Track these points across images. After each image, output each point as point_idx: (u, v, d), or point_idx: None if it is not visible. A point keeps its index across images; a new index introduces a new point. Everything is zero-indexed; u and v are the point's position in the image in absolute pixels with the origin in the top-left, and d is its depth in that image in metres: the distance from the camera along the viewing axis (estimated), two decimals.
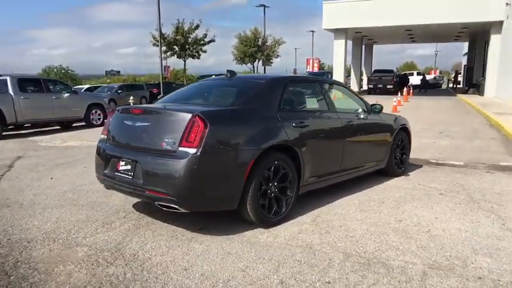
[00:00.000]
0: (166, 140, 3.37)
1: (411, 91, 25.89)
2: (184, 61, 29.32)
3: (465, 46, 37.13)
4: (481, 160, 7.02)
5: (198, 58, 29.26)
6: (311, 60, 51.96)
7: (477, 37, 25.87)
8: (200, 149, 3.20)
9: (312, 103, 4.57)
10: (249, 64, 40.60)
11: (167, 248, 3.29)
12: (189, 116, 3.31)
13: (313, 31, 49.66)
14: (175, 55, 28.78)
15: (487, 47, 23.99)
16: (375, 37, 29.33)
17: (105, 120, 6.81)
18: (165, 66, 28.13)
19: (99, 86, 27.10)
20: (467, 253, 3.17)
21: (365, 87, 29.84)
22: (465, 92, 25.61)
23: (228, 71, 4.51)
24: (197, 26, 28.72)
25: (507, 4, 18.22)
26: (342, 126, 4.66)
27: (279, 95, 4.02)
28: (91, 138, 10.47)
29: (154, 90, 26.53)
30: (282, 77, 4.52)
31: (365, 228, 3.72)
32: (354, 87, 26.91)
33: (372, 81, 27.15)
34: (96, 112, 13.94)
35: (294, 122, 3.97)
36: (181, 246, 3.32)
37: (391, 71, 27.74)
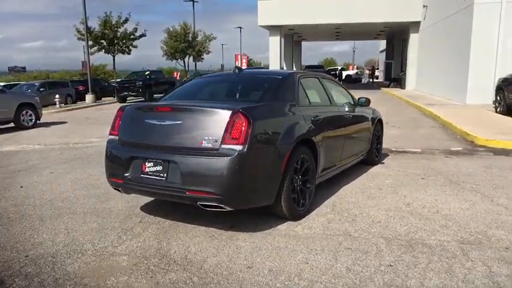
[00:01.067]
0: (206, 138, 3.26)
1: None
2: (114, 56, 27.69)
3: (382, 44, 40.51)
4: (434, 147, 7.82)
5: (129, 54, 27.86)
6: (239, 56, 52.30)
7: (395, 36, 28.44)
8: (246, 146, 3.17)
9: (317, 97, 4.73)
10: (180, 60, 39.64)
11: (214, 248, 3.21)
12: (229, 112, 3.25)
13: (240, 27, 50.05)
14: (103, 50, 27.03)
15: (405, 44, 26.47)
16: (305, 34, 30.61)
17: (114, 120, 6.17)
18: (83, 62, 26.15)
19: (16, 84, 24.44)
20: (483, 228, 3.58)
21: None
22: (387, 85, 27.96)
23: (236, 67, 4.48)
24: (126, 20, 27.29)
25: (424, 6, 20.34)
26: (342, 119, 4.90)
27: (296, 90, 4.11)
28: (31, 141, 9.51)
29: (81, 88, 24.68)
30: (294, 72, 4.61)
31: (384, 214, 3.98)
32: None
33: None
34: (27, 113, 12.63)
35: (312, 116, 4.09)
36: (227, 245, 3.26)
37: (321, 67, 29.25)
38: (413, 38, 22.26)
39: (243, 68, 45.72)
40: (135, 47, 28.45)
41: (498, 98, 11.88)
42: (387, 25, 23.46)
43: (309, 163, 3.95)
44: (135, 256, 3.10)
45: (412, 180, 5.32)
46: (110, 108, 19.69)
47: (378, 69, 40.33)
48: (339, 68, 41.41)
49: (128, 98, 23.04)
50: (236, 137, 3.18)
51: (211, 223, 3.73)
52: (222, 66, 63.04)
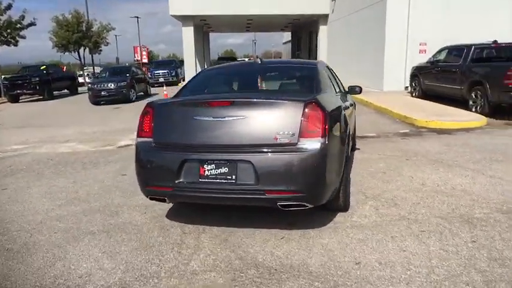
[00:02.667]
0: (281, 132, 3.03)
1: None
2: None
3: (285, 35, 42.29)
4: (384, 130, 8.52)
5: (16, 45, 24.22)
6: (139, 48, 49.58)
7: (302, 28, 29.93)
8: (326, 138, 3.05)
9: (336, 86, 4.74)
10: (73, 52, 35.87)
11: (300, 249, 3.04)
12: (302, 104, 3.08)
13: (137, 17, 47.28)
14: None
15: (312, 36, 28.07)
16: (216, 25, 30.30)
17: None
18: None
19: None
20: (504, 198, 4.04)
21: None
22: None
23: (257, 56, 4.24)
24: (9, 6, 23.64)
25: (332, 0, 21.82)
26: (349, 106, 5.02)
27: (328, 79, 4.08)
28: None
29: None
30: (319, 61, 4.54)
31: (414, 195, 4.22)
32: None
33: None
34: None
35: (344, 104, 4.11)
36: (309, 244, 3.12)
37: (234, 58, 29.35)
38: (323, 30, 23.72)
39: (144, 60, 42.79)
40: (23, 37, 24.93)
41: (414, 84, 13.38)
42: (298, 17, 24.52)
43: (348, 151, 3.97)
44: (222, 270, 2.77)
45: (400, 162, 5.72)
46: (2, 108, 17.03)
47: None
48: (246, 59, 42.17)
49: (21, 97, 20.22)
50: (314, 130, 3.03)
51: (266, 224, 3.52)
52: (117, 59, 58.96)
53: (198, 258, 2.97)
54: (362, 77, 17.03)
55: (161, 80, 24.86)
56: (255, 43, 66.14)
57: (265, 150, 3.03)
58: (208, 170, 3.13)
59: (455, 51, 11.29)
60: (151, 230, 3.55)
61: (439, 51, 12.16)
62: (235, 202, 3.30)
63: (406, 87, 14.97)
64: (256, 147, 3.06)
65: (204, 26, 29.67)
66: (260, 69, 4.32)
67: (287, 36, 40.69)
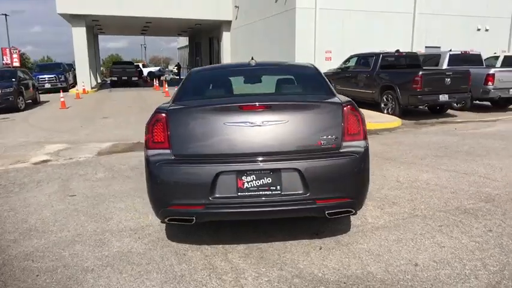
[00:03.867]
0: (324, 136, 2.88)
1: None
2: None
3: (181, 40, 41.45)
4: None
5: None
6: (8, 50, 43.55)
7: (202, 33, 29.68)
8: (366, 141, 3.00)
9: None
10: None
11: (347, 258, 2.91)
12: (340, 106, 2.98)
13: (6, 14, 41.33)
14: None
15: (213, 42, 28.09)
16: (108, 27, 28.08)
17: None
18: None
19: None
20: (475, 189, 4.52)
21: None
22: None
23: (252, 58, 3.98)
24: None
25: (236, 6, 22.11)
26: None
27: None
28: None
29: None
30: (310, 63, 4.43)
31: (401, 193, 4.45)
32: (90, 80, 24.50)
33: (115, 73, 26.18)
34: None
35: None
36: (350, 251, 3.02)
37: (131, 63, 27.61)
38: (226, 36, 23.90)
39: (15, 64, 37.67)
40: None
41: None
42: (199, 22, 24.26)
43: None
44: None
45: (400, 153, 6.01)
46: None
47: (182, 66, 41.11)
48: (141, 64, 40.10)
49: None
50: (355, 132, 2.95)
51: (289, 236, 3.32)
52: None
53: (250, 283, 2.63)
54: None
55: (47, 86, 22.06)
56: (145, 47, 63.35)
57: (311, 156, 2.85)
58: (247, 182, 2.80)
59: (364, 58, 12.42)
60: (166, 258, 3.04)
61: (348, 59, 13.25)
62: (281, 215, 3.02)
63: None
64: (301, 154, 2.85)
65: (94, 27, 27.35)
66: (261, 70, 4.08)
67: (183, 41, 40.00)
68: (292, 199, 2.81)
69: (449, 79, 10.20)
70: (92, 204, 4.36)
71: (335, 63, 14.38)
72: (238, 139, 2.84)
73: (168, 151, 2.89)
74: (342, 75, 13.08)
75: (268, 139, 2.85)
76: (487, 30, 18.14)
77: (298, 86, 3.77)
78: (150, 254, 3.11)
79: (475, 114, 11.18)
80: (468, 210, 3.82)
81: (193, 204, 2.82)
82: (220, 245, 3.21)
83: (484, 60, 13.16)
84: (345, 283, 2.58)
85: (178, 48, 44.80)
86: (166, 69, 44.80)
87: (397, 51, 11.99)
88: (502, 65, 13.13)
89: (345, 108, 2.97)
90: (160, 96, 19.62)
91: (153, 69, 39.44)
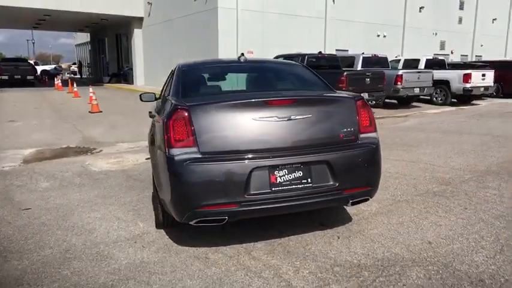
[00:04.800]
0: (344, 129, 3.00)
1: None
2: None
3: (79, 36, 38.04)
4: None
5: None
6: None
7: (107, 30, 27.68)
8: (377, 132, 3.20)
9: None
10: None
11: (368, 243, 3.09)
12: (353, 100, 3.14)
13: None
14: None
15: (122, 39, 26.51)
16: None
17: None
18: None
19: None
20: (449, 175, 5.11)
21: None
22: (107, 82, 27.10)
23: (242, 54, 3.92)
24: None
25: (149, 3, 21.17)
26: None
27: None
28: None
29: None
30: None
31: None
32: None
33: (6, 71, 22.96)
34: None
35: None
36: (368, 237, 3.21)
37: (24, 60, 24.45)
38: (138, 33, 22.77)
39: None
40: None
41: None
42: (105, 17, 22.66)
43: None
44: (338, 281, 2.55)
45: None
46: None
47: (84, 65, 37.72)
48: (32, 62, 35.81)
49: None
50: (368, 125, 3.13)
51: (299, 229, 3.39)
52: None
53: (294, 277, 2.63)
54: None
55: None
56: (33, 43, 56.81)
57: (336, 148, 2.95)
58: (280, 176, 2.79)
59: (290, 59, 12.98)
60: (190, 263, 2.86)
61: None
62: (313, 207, 3.06)
63: None
64: (327, 146, 2.94)
65: None
66: (258, 67, 4.03)
67: (82, 37, 36.90)
68: (322, 190, 2.89)
69: (368, 79, 11.25)
70: (59, 217, 3.86)
71: None
72: (268, 134, 2.82)
73: (194, 149, 2.72)
74: None
75: (296, 133, 2.88)
76: (385, 36, 20.39)
77: (298, 82, 3.84)
78: (169, 262, 2.90)
79: (386, 111, 12.50)
80: (437, 193, 4.32)
81: (226, 203, 2.71)
82: (237, 245, 3.13)
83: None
84: (382, 265, 2.75)
85: (76, 45, 41.12)
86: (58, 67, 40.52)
87: (320, 52, 12.81)
88: (403, 67, 14.88)
89: (357, 102, 3.14)
90: (68, 96, 17.99)
91: (48, 67, 35.58)
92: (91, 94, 14.99)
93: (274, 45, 15.81)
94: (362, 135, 3.09)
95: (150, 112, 6.18)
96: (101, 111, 12.47)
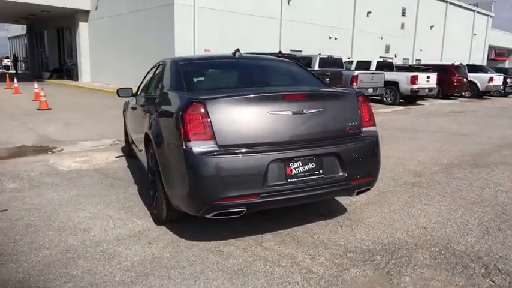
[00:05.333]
0: (349, 123, 3.17)
1: None
2: None
3: (12, 28, 35.18)
4: None
5: None
6: None
7: (48, 22, 25.92)
8: (376, 126, 3.40)
9: None
10: None
11: (371, 230, 3.29)
12: (355, 95, 3.31)
13: None
14: None
15: (62, 32, 25.03)
16: None
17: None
18: None
19: None
20: (420, 166, 5.49)
21: None
22: (47, 77, 25.44)
23: (238, 49, 3.96)
24: None
25: None
26: None
27: None
28: None
29: None
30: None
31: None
32: None
33: None
34: None
35: None
36: (369, 225, 3.41)
37: None
38: (83, 27, 21.64)
39: None
40: None
41: None
42: (47, 9, 21.25)
43: None
44: (355, 265, 2.71)
45: None
46: None
47: (20, 60, 34.85)
48: None
49: None
50: (368, 119, 3.33)
51: (304, 219, 3.52)
52: None
53: (313, 264, 2.74)
54: None
55: None
56: None
57: (344, 141, 3.11)
58: (295, 168, 2.89)
59: None
60: (205, 257, 2.87)
61: None
62: (323, 197, 3.19)
63: None
64: (335, 139, 3.09)
65: None
66: (257, 62, 4.09)
67: (16, 29, 34.25)
68: (333, 181, 3.03)
69: (328, 79, 11.71)
70: (44, 217, 3.66)
71: None
72: (282, 127, 2.91)
73: (211, 142, 2.74)
74: None
75: (308, 126, 2.99)
76: (336, 38, 21.25)
77: (296, 77, 3.95)
78: (184, 256, 2.88)
79: None
80: (415, 184, 4.66)
81: (246, 195, 2.75)
82: (246, 237, 3.18)
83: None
84: (390, 249, 2.95)
85: (9, 38, 37.99)
86: None
87: (280, 52, 13.09)
88: (356, 68, 15.64)
89: (359, 98, 3.32)
90: (7, 93, 16.78)
91: None
92: (37, 90, 14.10)
93: (232, 44, 15.84)
94: (364, 129, 3.28)
95: (125, 108, 5.99)
96: (50, 109, 11.77)
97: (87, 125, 9.23)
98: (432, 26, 29.08)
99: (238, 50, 3.99)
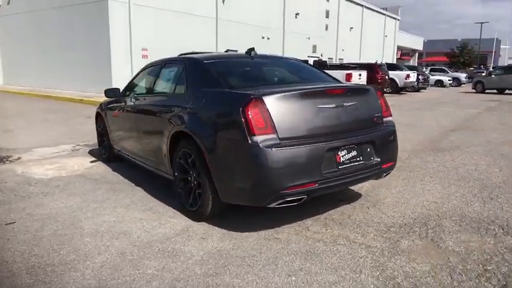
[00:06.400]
0: (375, 114, 3.57)
1: None
2: None
3: None
4: None
5: None
6: None
7: None
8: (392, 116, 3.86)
9: None
10: None
11: (395, 211, 3.73)
12: (375, 89, 3.73)
13: None
14: None
15: None
16: None
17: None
18: None
19: None
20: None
21: None
22: None
23: (252, 49, 4.14)
24: None
25: None
26: None
27: None
28: None
29: None
30: None
31: None
32: None
33: None
34: None
35: None
36: (389, 207, 3.85)
37: None
38: None
39: None
40: None
41: None
42: None
43: None
44: (376, 239, 3.11)
45: None
46: None
47: None
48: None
49: None
50: (387, 110, 3.77)
51: (329, 205, 3.85)
52: None
53: (366, 241, 3.08)
54: (78, 81, 15.99)
55: None
56: None
57: (375, 130, 3.51)
58: (342, 156, 3.21)
59: None
60: (267, 244, 3.04)
61: None
62: (362, 181, 3.56)
63: None
64: (368, 129, 3.48)
65: None
66: (276, 61, 4.33)
67: None
68: (370, 166, 3.41)
69: None
70: (67, 225, 3.51)
71: None
72: (330, 119, 3.22)
73: (273, 135, 2.93)
74: None
75: (348, 118, 3.34)
76: (268, 38, 22.00)
77: (316, 75, 4.25)
78: (246, 246, 3.01)
79: None
80: (401, 168, 5.23)
81: (307, 183, 2.99)
82: (291, 224, 3.40)
83: None
84: (422, 222, 3.41)
85: None
86: None
87: (227, 51, 13.27)
88: None
89: (378, 92, 3.75)
90: None
91: None
92: None
93: (169, 43, 15.69)
94: (385, 119, 3.72)
95: (104, 111, 5.73)
96: None
97: (32, 131, 8.58)
98: (351, 28, 31.55)
99: (253, 49, 4.17)
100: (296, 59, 4.74)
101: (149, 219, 3.61)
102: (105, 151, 5.90)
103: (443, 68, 35.99)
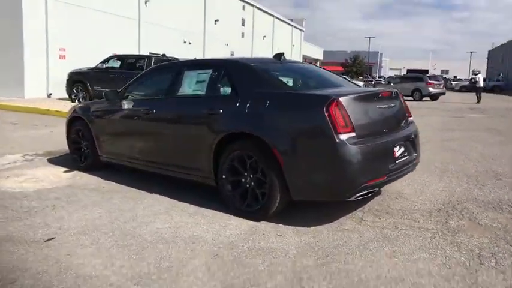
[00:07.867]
0: (405, 114, 4.13)
1: None
2: None
3: None
4: None
5: None
6: None
7: None
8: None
9: None
10: None
11: (423, 200, 4.33)
12: (399, 92, 4.30)
13: None
14: None
15: None
16: None
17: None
18: None
19: None
20: None
21: None
22: None
23: (282, 53, 4.40)
24: None
25: None
26: None
27: None
28: None
29: None
30: None
31: None
32: None
33: None
34: None
35: None
36: (413, 198, 4.43)
37: None
38: None
39: None
40: None
41: (76, 90, 13.18)
42: None
43: None
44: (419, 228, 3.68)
45: None
46: None
47: None
48: None
49: None
50: (409, 111, 4.34)
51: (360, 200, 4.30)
52: None
53: (419, 225, 3.57)
54: None
55: None
56: None
57: (409, 128, 4.06)
58: (397, 151, 3.69)
59: (133, 59, 12.73)
60: (343, 235, 3.34)
61: (108, 59, 13.03)
62: (405, 175, 3.96)
63: (50, 94, 14.54)
64: (406, 127, 4.02)
65: None
66: (305, 68, 4.63)
67: None
68: (411, 160, 3.95)
69: None
70: (122, 236, 3.37)
71: (71, 64, 13.61)
72: (385, 118, 3.69)
73: (353, 133, 3.26)
74: (105, 76, 12.63)
75: (395, 117, 3.86)
76: (190, 43, 21.96)
77: (339, 79, 4.64)
78: (328, 238, 3.26)
79: None
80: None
81: (379, 177, 3.39)
82: (346, 216, 3.74)
83: None
84: (450, 207, 4.01)
85: None
86: None
87: (163, 55, 13.07)
88: None
89: (400, 94, 4.33)
90: None
91: None
92: None
93: (91, 43, 14.85)
94: (409, 119, 4.31)
95: (91, 117, 5.29)
96: None
97: None
98: (264, 36, 33.08)
99: (282, 53, 4.42)
100: (315, 65, 5.15)
101: (206, 222, 3.62)
102: (85, 159, 5.50)
103: (345, 76, 39.63)
